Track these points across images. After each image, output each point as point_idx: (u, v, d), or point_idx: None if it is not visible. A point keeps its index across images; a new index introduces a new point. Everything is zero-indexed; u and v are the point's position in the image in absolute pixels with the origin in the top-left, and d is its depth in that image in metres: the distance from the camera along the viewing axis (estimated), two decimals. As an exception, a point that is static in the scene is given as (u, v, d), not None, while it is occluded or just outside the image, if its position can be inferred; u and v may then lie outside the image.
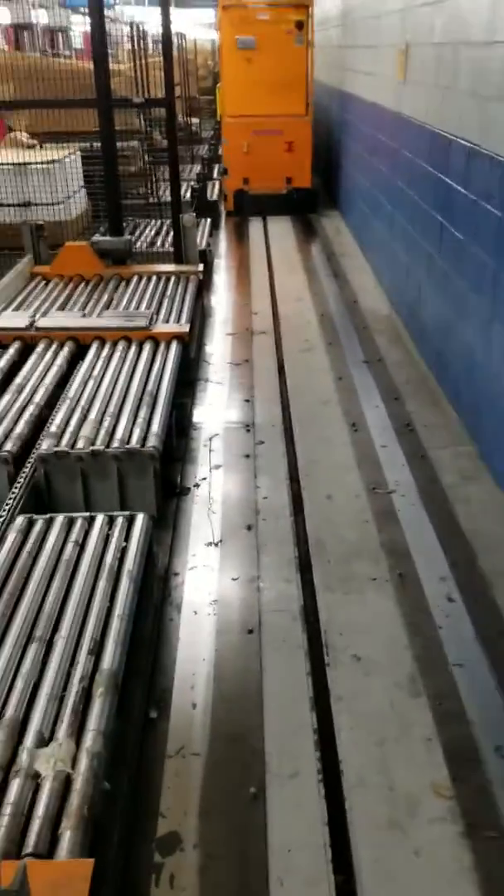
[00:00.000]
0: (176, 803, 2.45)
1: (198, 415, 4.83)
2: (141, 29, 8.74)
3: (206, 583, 3.39)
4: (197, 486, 4.06)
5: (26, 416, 3.95)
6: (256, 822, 2.40)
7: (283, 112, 9.95)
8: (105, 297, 5.75)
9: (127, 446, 3.61)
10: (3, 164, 6.94)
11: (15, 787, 2.12)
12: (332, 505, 3.87)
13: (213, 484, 4.07)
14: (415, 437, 4.49)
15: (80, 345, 4.79)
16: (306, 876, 2.24)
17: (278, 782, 2.51)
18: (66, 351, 4.68)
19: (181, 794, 2.48)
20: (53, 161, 6.95)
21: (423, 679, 2.86)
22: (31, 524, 3.21)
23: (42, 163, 6.94)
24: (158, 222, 8.01)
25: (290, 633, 3.09)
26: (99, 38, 6.00)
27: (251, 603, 3.26)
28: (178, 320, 5.30)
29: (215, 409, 4.91)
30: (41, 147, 7.89)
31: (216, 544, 3.62)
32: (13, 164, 6.92)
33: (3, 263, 6.95)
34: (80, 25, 15.36)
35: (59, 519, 3.23)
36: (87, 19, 17.31)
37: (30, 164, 6.94)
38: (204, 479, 4.12)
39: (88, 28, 16.62)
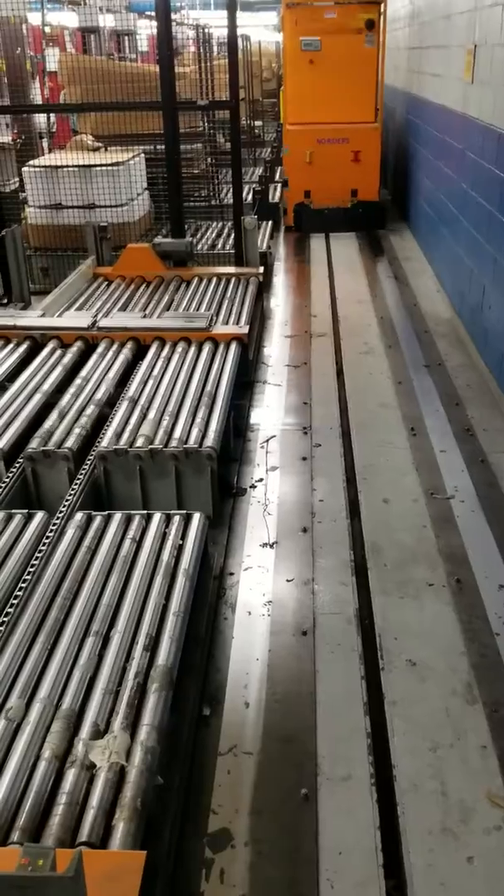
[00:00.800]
0: (228, 800, 2.47)
1: (255, 416, 4.85)
2: (206, 32, 8.81)
3: (261, 583, 3.39)
4: (253, 486, 4.08)
5: (87, 414, 4.01)
6: (307, 823, 2.39)
7: (350, 119, 9.14)
8: (166, 299, 5.81)
9: (185, 446, 3.64)
10: (68, 166, 7.04)
11: (70, 776, 2.15)
12: (390, 509, 3.85)
13: (270, 485, 4.08)
14: (475, 441, 4.43)
15: (140, 345, 4.85)
16: (357, 879, 2.23)
17: (330, 785, 2.50)
18: (126, 351, 4.74)
19: (233, 791, 2.50)
20: (118, 163, 7.04)
21: (479, 686, 2.83)
22: (89, 520, 3.25)
23: (107, 165, 7.04)
24: (219, 224, 8.07)
25: (344, 637, 3.08)
26: (165, 42, 6.06)
27: (306, 605, 3.26)
28: (237, 322, 5.33)
29: (272, 411, 4.92)
30: (105, 150, 8.00)
31: (271, 545, 3.62)
32: (78, 165, 7.02)
33: (66, 264, 7.08)
34: (145, 29, 15.50)
35: (118, 516, 3.27)
36: (153, 23, 17.50)
37: (95, 166, 7.04)
38: (260, 480, 4.13)
39: (154, 31, 16.75)
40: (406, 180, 9.75)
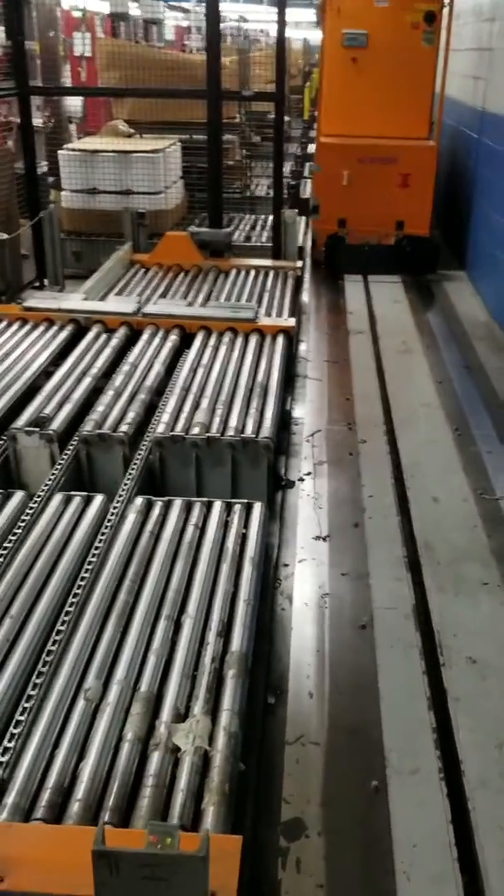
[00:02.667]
0: (298, 790, 2.47)
1: (298, 410, 4.84)
2: (245, 25, 8.79)
3: (316, 576, 3.40)
4: (302, 479, 4.08)
5: (139, 399, 4.00)
6: (380, 816, 2.40)
7: (400, 134, 7.43)
8: (205, 289, 5.80)
9: (242, 435, 3.64)
10: (106, 151, 7.02)
11: (155, 759, 2.16)
12: (439, 507, 3.86)
13: (318, 479, 4.08)
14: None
15: (185, 333, 4.84)
16: (432, 873, 2.24)
17: (400, 778, 2.51)
18: (172, 338, 4.73)
19: (303, 781, 2.50)
20: (156, 150, 7.02)
21: (541, 687, 2.84)
22: (149, 505, 3.25)
23: (145, 152, 7.02)
24: (252, 217, 8.07)
25: (403, 632, 3.09)
26: (213, 31, 6.05)
27: (362, 599, 3.26)
28: (279, 314, 5.34)
29: (315, 406, 4.92)
30: (140, 136, 7.99)
31: (324, 539, 3.63)
32: (116, 151, 7.00)
33: (100, 249, 7.07)
34: (171, 19, 15.49)
35: (178, 502, 3.27)
36: (177, 14, 17.44)
37: (133, 152, 7.02)
38: (308, 473, 4.13)
39: (180, 22, 16.77)
40: (465, 214, 7.96)
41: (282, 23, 6.03)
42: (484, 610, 3.21)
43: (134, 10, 12.65)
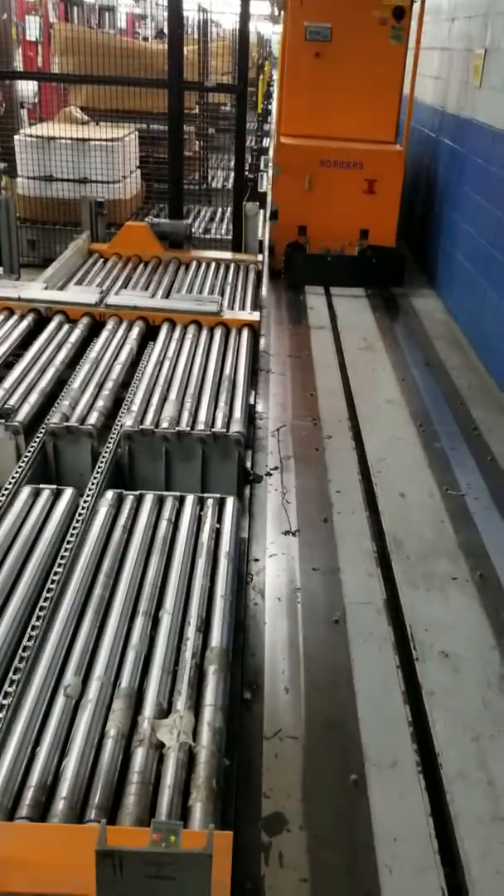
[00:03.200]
0: (278, 784, 2.47)
1: (262, 405, 4.83)
2: (206, 15, 8.73)
3: (287, 571, 3.40)
4: (269, 474, 4.07)
5: (106, 392, 3.94)
6: (360, 809, 2.41)
7: (366, 136, 7.08)
8: (166, 280, 5.74)
9: (213, 430, 3.61)
10: (64, 137, 6.91)
11: (139, 755, 2.12)
12: (406, 503, 3.88)
13: (285, 474, 4.08)
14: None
15: (149, 325, 4.78)
16: (414, 865, 2.25)
17: (378, 771, 2.52)
18: (136, 330, 4.67)
19: (282, 775, 2.50)
20: (115, 139, 6.93)
21: (513, 680, 2.88)
22: (121, 499, 3.21)
23: (103, 140, 6.92)
24: (210, 209, 8.02)
25: (376, 626, 3.11)
26: (176, 21, 5.98)
27: (334, 594, 3.27)
28: (242, 308, 5.31)
29: (279, 401, 4.91)
30: (96, 124, 7.87)
31: (294, 533, 3.63)
32: (74, 138, 6.89)
33: (55, 238, 6.96)
34: (123, 6, 15.33)
35: (149, 496, 3.23)
36: (129, 1, 17.24)
37: (91, 140, 6.91)
38: (276, 468, 4.13)
39: (133, 10, 16.57)
40: (432, 224, 7.61)
41: (245, 14, 5.99)
42: (454, 605, 3.25)
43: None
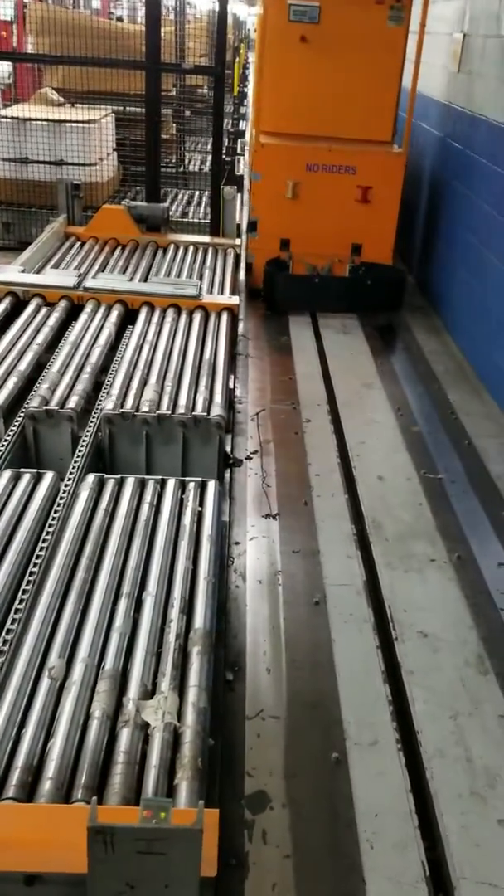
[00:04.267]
0: (261, 763, 2.50)
1: (240, 389, 4.85)
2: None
3: (268, 553, 3.43)
4: (249, 458, 4.09)
5: (85, 376, 3.93)
6: (341, 786, 2.45)
7: (360, 136, 6.09)
8: (144, 264, 5.71)
9: (194, 413, 3.62)
10: (39, 119, 6.84)
11: (125, 736, 2.14)
12: (385, 486, 3.92)
13: (265, 458, 4.10)
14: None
15: (127, 309, 4.77)
16: (395, 840, 2.30)
17: (359, 750, 2.56)
18: (115, 314, 4.66)
19: (265, 754, 2.53)
20: (91, 121, 6.87)
21: (490, 659, 2.93)
22: (102, 483, 3.21)
23: (79, 122, 6.86)
24: (187, 192, 7.99)
25: (356, 608, 3.15)
26: (154, 2, 5.93)
27: (314, 575, 3.31)
28: (221, 292, 5.31)
29: (258, 385, 4.92)
30: (71, 106, 7.80)
31: (274, 517, 3.65)
32: (50, 120, 6.83)
33: (31, 221, 6.91)
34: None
35: (131, 480, 3.23)
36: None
37: (67, 121, 6.85)
38: (255, 452, 4.15)
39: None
40: (436, 239, 6.63)
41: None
42: (432, 586, 3.29)
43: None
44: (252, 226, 6.28)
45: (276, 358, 5.56)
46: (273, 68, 6.00)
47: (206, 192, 7.63)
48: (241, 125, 11.87)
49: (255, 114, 6.12)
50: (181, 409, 3.65)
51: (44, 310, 4.63)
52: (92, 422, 3.63)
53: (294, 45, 5.90)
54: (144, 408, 3.64)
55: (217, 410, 3.68)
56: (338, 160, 6.04)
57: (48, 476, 3.21)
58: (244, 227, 6.83)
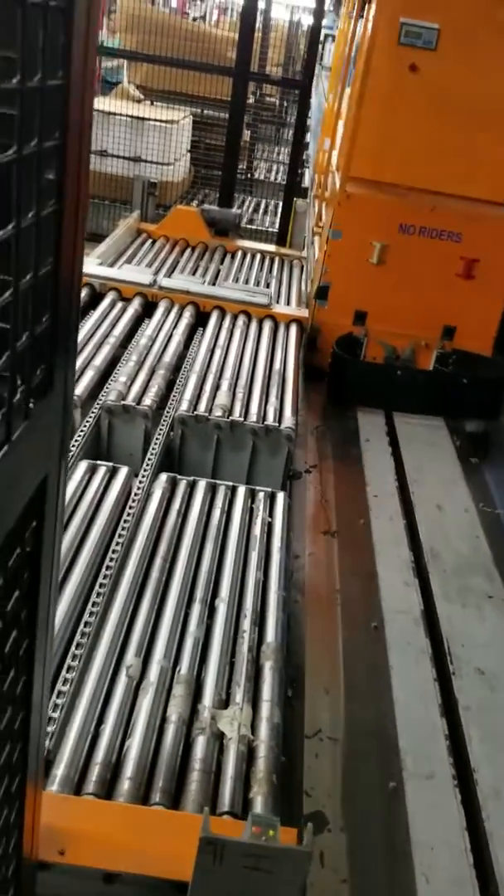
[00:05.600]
0: (319, 784, 2.51)
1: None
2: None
3: (327, 570, 3.44)
4: (308, 472, 4.11)
5: (160, 374, 3.97)
6: (398, 816, 2.46)
7: (471, 194, 4.85)
8: (212, 267, 5.76)
9: (266, 422, 3.64)
10: (122, 114, 6.90)
11: (201, 743, 2.16)
12: (443, 515, 3.93)
13: (324, 473, 4.11)
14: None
15: (198, 311, 4.81)
16: (451, 876, 2.31)
17: (416, 781, 2.57)
18: (187, 315, 4.70)
19: (323, 775, 2.54)
20: (172, 121, 6.92)
21: (546, 703, 2.93)
22: (174, 483, 3.24)
23: (161, 121, 6.91)
24: (254, 200, 8.03)
25: (413, 637, 3.15)
26: (249, 11, 5.98)
27: (373, 599, 3.31)
28: (287, 303, 5.34)
29: (316, 400, 4.94)
30: (151, 103, 7.86)
31: (332, 534, 3.66)
32: (133, 116, 6.89)
33: (102, 213, 6.96)
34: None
35: (202, 483, 3.27)
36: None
37: (149, 119, 6.91)
38: (315, 466, 4.16)
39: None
40: None
41: (320, 8, 5.99)
42: (489, 622, 3.30)
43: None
44: (322, 292, 5.00)
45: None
46: (374, 101, 4.66)
47: (272, 201, 7.69)
48: (307, 136, 11.91)
49: (344, 155, 4.86)
50: (252, 417, 3.69)
51: (119, 304, 4.67)
52: (165, 421, 3.67)
53: (401, 75, 4.61)
54: (217, 412, 3.68)
55: (288, 422, 3.71)
56: (440, 223, 4.82)
57: (123, 471, 3.25)
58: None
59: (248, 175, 8.53)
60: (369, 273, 4.90)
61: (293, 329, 4.72)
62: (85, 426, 3.53)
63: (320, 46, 8.03)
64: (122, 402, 3.62)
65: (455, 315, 5.01)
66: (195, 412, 3.63)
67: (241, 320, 4.69)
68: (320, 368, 5.03)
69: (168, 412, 3.72)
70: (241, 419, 3.64)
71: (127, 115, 6.88)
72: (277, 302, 5.29)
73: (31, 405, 0.83)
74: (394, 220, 4.84)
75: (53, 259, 0.82)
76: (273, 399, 3.87)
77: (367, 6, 5.01)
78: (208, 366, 4.09)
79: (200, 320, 4.72)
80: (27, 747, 1.07)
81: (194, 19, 14.13)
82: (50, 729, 2.11)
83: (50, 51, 0.73)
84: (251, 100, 8.43)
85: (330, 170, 5.77)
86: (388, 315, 5.02)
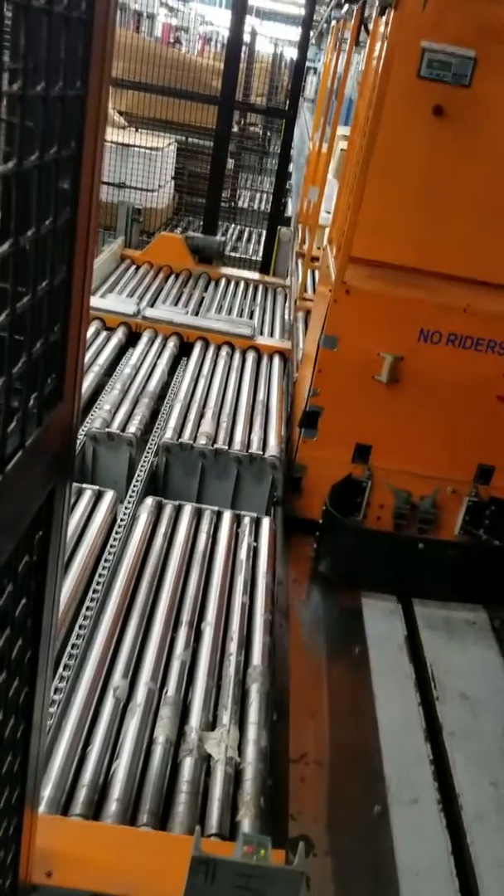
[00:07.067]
0: (304, 808, 2.50)
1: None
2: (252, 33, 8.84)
3: (311, 594, 3.44)
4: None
5: (144, 403, 3.99)
6: (383, 841, 2.45)
7: None
8: (196, 295, 5.81)
9: (250, 451, 3.66)
10: (107, 141, 6.96)
11: (188, 765, 2.16)
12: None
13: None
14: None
15: (182, 341, 4.84)
16: (436, 901, 2.30)
17: (400, 806, 2.56)
18: (171, 345, 4.72)
19: (308, 800, 2.53)
20: (156, 148, 7.00)
21: (530, 729, 2.93)
22: (160, 507, 3.25)
23: (145, 147, 6.99)
24: (237, 228, 8.11)
25: (397, 662, 3.15)
26: (235, 41, 6.08)
27: (356, 624, 3.31)
28: (271, 334, 5.39)
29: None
30: (135, 130, 7.94)
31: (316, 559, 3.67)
32: (117, 143, 6.96)
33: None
34: (162, 17, 15.51)
35: (188, 507, 3.28)
36: (169, 10, 17.35)
37: (133, 146, 6.98)
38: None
39: (170, 20, 16.72)
40: None
41: (304, 41, 6.11)
42: (471, 651, 3.31)
43: (133, 4, 12.64)
44: (310, 419, 3.62)
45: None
46: (385, 155, 3.34)
47: (255, 230, 7.77)
48: (290, 167, 12.07)
49: (341, 228, 3.60)
50: (237, 446, 3.71)
51: (103, 333, 4.69)
52: (150, 448, 3.68)
53: (422, 120, 3.34)
54: (202, 440, 3.69)
55: (272, 450, 3.73)
56: (477, 328, 3.44)
57: (108, 494, 3.25)
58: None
59: (232, 203, 8.62)
60: (376, 394, 3.51)
61: (276, 360, 4.76)
62: (70, 449, 3.53)
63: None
64: (107, 430, 3.63)
65: (494, 451, 3.66)
66: (180, 440, 3.65)
67: (224, 351, 4.73)
68: (308, 520, 3.68)
69: (153, 440, 3.73)
70: (226, 447, 3.66)
71: (111, 142, 6.95)
72: (261, 330, 5.34)
73: (43, 413, 0.84)
74: (412, 324, 3.43)
75: (67, 267, 0.84)
76: (257, 428, 3.90)
77: (374, 28, 3.84)
78: (192, 395, 4.12)
79: (184, 350, 4.75)
80: (27, 761, 1.07)
81: (173, 44, 14.36)
82: (36, 751, 2.09)
83: (70, 61, 0.75)
84: (235, 129, 8.54)
85: (321, 243, 4.90)
86: (401, 450, 3.63)
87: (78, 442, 3.53)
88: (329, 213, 5.10)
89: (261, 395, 4.26)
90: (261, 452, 3.68)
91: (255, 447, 3.72)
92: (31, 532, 0.89)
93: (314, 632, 3.31)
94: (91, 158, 0.84)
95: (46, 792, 1.98)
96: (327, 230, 4.71)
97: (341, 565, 3.54)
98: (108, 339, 4.61)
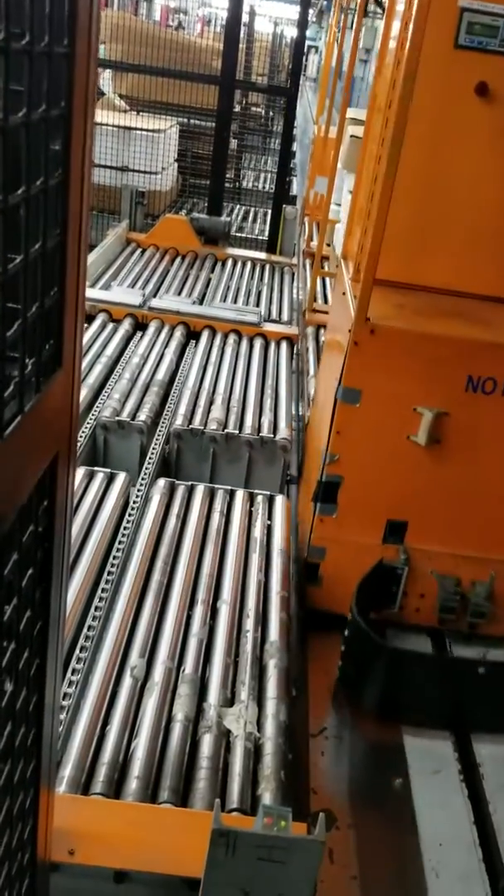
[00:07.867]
0: (325, 782, 2.50)
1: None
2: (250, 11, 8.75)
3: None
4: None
5: (153, 391, 3.98)
6: (404, 813, 2.44)
7: None
8: (203, 276, 5.78)
9: (261, 434, 3.66)
10: (108, 124, 6.92)
11: (207, 741, 2.16)
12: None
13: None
14: None
15: (189, 330, 4.81)
16: (460, 871, 2.29)
17: (422, 778, 2.56)
18: (178, 335, 4.70)
19: (328, 773, 2.53)
20: (158, 130, 6.95)
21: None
22: (173, 488, 3.24)
23: (147, 130, 6.94)
24: (242, 208, 8.06)
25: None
26: (234, 20, 6.02)
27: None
28: (279, 316, 5.35)
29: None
30: (137, 113, 7.89)
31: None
32: (119, 126, 6.91)
33: (92, 225, 6.96)
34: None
35: (200, 487, 3.27)
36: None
37: (135, 129, 6.94)
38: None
39: (168, 3, 16.58)
40: None
41: (304, 19, 6.04)
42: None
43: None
44: (328, 492, 2.89)
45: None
46: (417, 148, 2.66)
47: (261, 209, 7.72)
48: (294, 146, 11.98)
49: (360, 242, 2.93)
50: (247, 430, 3.70)
51: (110, 325, 4.69)
52: (160, 435, 3.67)
53: (462, 101, 2.67)
54: (212, 426, 3.69)
55: (282, 433, 3.72)
56: None
57: (121, 476, 3.25)
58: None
59: (237, 184, 8.57)
60: (412, 459, 2.78)
61: (283, 346, 4.74)
62: (79, 440, 3.52)
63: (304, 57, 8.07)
64: (118, 418, 3.62)
65: None
66: (190, 426, 3.65)
67: (231, 338, 4.70)
68: (327, 612, 2.96)
69: (163, 427, 3.72)
70: (236, 432, 3.66)
71: (113, 126, 6.90)
72: (269, 310, 5.31)
73: (41, 380, 0.83)
74: (458, 369, 2.66)
75: (60, 230, 0.82)
76: (267, 412, 3.90)
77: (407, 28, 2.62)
78: (201, 382, 4.12)
79: (191, 339, 4.73)
80: (41, 735, 1.07)
81: (176, 28, 14.23)
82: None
83: (57, 19, 0.73)
84: (237, 109, 8.48)
85: (331, 239, 4.26)
86: (446, 527, 2.90)
87: (88, 430, 3.56)
88: (339, 205, 4.69)
89: (269, 380, 4.25)
90: (272, 436, 3.67)
91: (265, 430, 3.72)
92: (36, 502, 0.88)
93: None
94: (82, 119, 0.83)
95: (66, 771, 1.99)
96: (338, 227, 4.21)
97: (370, 692, 2.73)
98: (115, 331, 4.60)
